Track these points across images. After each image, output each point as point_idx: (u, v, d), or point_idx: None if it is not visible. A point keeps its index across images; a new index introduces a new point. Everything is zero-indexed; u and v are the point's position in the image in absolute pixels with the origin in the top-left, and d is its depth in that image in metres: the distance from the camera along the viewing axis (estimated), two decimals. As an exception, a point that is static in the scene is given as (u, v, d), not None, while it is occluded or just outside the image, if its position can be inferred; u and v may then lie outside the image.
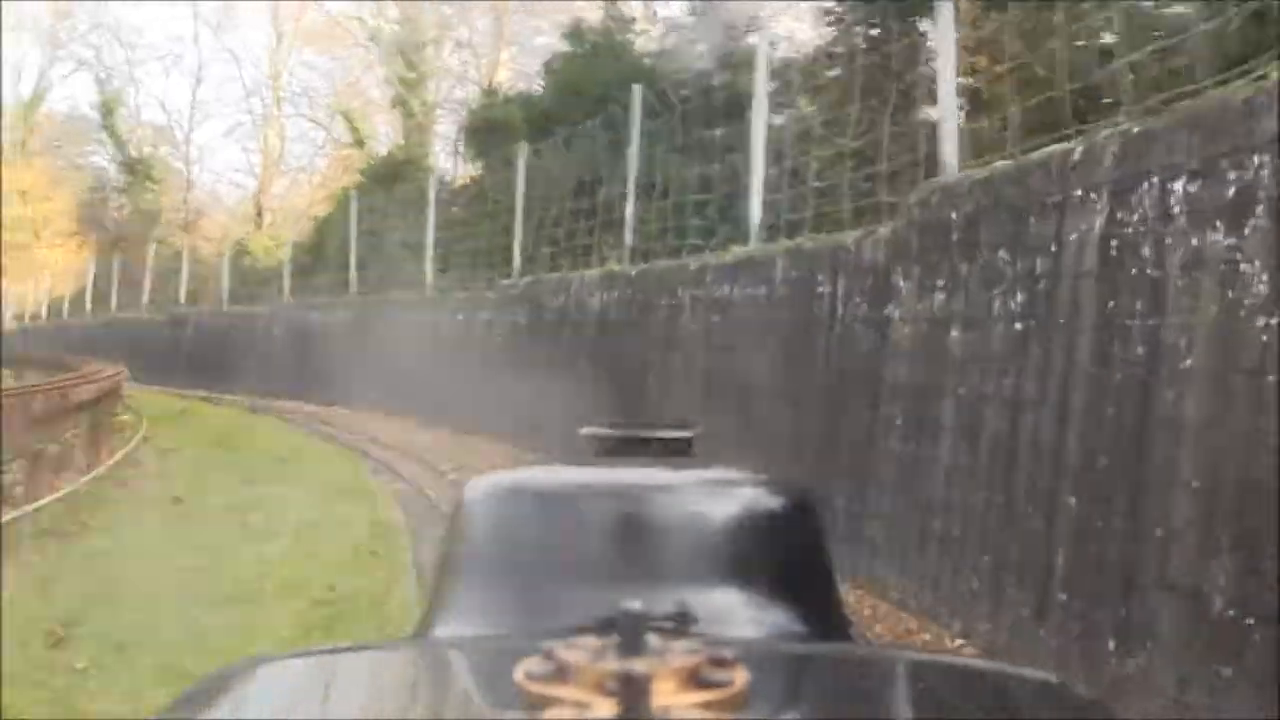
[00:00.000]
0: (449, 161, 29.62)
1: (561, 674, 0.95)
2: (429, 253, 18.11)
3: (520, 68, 36.15)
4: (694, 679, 0.94)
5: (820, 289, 8.32)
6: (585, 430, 2.10)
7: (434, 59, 39.46)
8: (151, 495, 10.44)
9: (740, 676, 0.96)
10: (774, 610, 1.68)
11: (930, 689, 1.44)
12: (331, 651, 1.67)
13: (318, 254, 27.11)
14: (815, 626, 1.71)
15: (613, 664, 0.92)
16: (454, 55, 41.02)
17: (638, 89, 12.99)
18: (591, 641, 0.99)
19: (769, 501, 1.85)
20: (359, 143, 39.92)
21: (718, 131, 12.44)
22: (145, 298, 31.89)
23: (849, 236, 8.28)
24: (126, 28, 64.29)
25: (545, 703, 0.92)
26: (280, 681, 1.41)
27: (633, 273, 12.73)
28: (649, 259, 12.70)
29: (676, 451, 2.08)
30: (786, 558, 1.77)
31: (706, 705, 0.92)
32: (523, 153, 15.66)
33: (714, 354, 10.04)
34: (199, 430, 16.60)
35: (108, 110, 48.10)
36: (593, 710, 0.89)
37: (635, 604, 0.97)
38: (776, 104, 11.31)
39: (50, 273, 43.39)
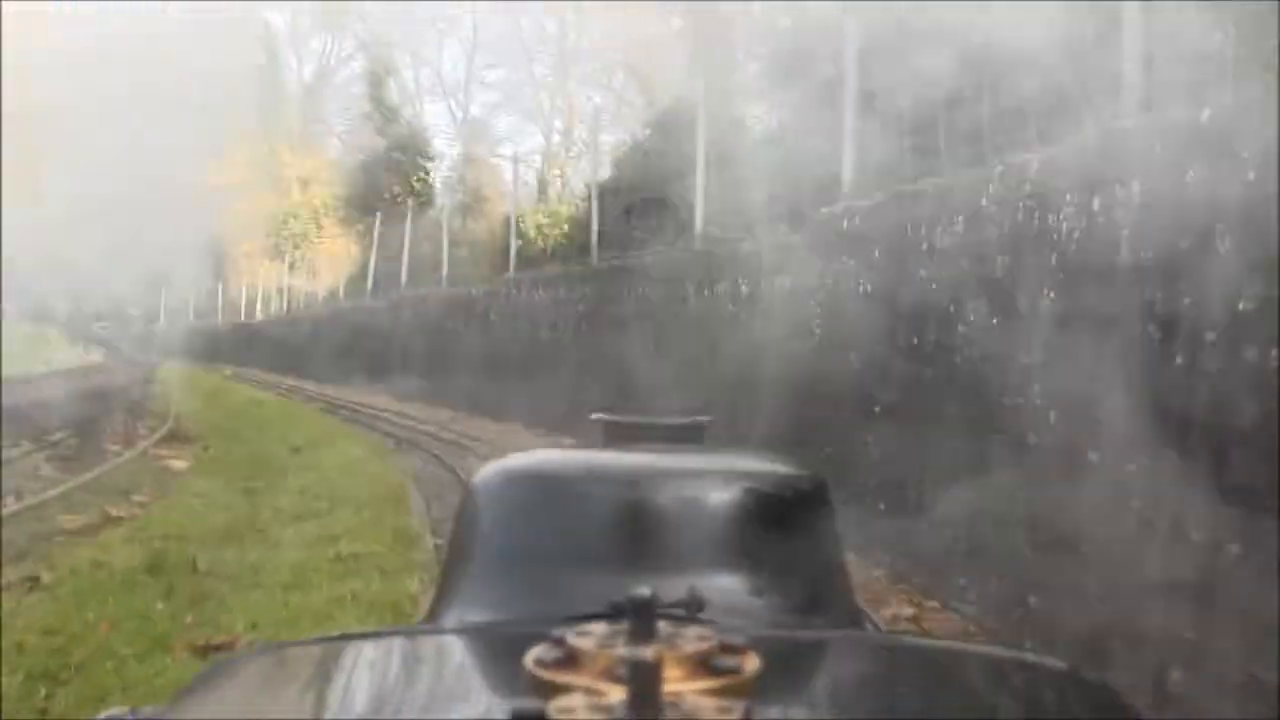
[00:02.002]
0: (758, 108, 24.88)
1: (571, 660, 0.95)
2: (699, 209, 13.21)
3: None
4: (704, 665, 0.94)
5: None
6: (596, 416, 2.08)
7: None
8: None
9: (750, 663, 0.96)
10: (785, 597, 1.66)
11: (941, 676, 1.45)
12: (341, 638, 1.64)
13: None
14: (826, 613, 1.70)
15: (623, 650, 0.92)
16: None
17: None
18: (601, 628, 0.98)
19: (780, 488, 1.81)
20: (651, 106, 37.34)
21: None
22: (403, 281, 28.81)
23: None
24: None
25: (555, 689, 0.91)
26: (290, 668, 1.42)
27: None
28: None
29: (688, 438, 2.05)
30: (797, 544, 1.75)
31: (717, 691, 0.91)
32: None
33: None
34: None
35: (377, 83, 46.03)
36: (603, 697, 0.88)
37: (645, 590, 0.94)
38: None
39: (331, 260, 42.80)
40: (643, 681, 0.83)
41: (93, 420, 14.66)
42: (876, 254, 8.20)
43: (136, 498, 9.90)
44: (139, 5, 54.39)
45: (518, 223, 32.82)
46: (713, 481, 1.79)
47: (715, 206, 13.27)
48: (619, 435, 2.07)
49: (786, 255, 9.84)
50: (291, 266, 42.70)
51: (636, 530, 1.68)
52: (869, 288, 8.29)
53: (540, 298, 16.91)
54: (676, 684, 0.90)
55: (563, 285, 16.27)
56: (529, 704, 0.88)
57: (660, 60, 36.94)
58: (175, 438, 14.38)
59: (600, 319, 14.51)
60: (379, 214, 32.93)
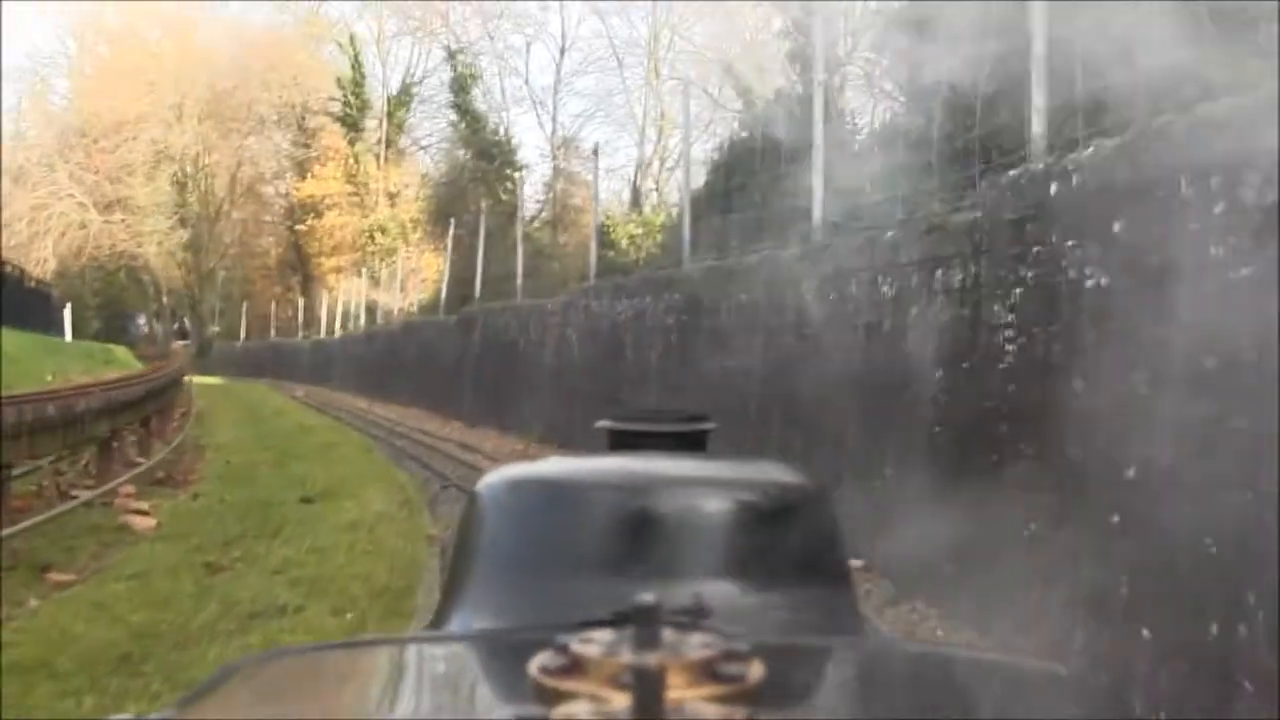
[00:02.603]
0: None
1: (575, 668, 0.94)
2: (817, 210, 10.44)
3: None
4: (708, 673, 0.93)
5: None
6: (600, 424, 2.06)
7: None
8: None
9: (755, 670, 0.96)
10: (788, 604, 1.65)
11: (943, 682, 1.45)
12: (345, 645, 1.69)
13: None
14: (829, 621, 1.70)
15: (627, 658, 0.92)
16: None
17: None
18: (605, 635, 0.98)
19: (784, 495, 1.80)
20: (748, 107, 34.36)
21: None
22: (476, 295, 25.76)
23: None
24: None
25: (559, 696, 0.91)
26: (293, 675, 1.41)
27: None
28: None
29: (692, 445, 2.03)
30: (801, 552, 1.73)
31: (721, 699, 0.91)
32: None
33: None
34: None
35: (461, 88, 43.05)
36: (607, 704, 0.87)
37: (649, 597, 0.93)
38: None
39: (420, 276, 40.27)
40: (647, 688, 0.83)
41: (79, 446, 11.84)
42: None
43: (56, 575, 7.16)
44: (223, 17, 53.72)
45: (607, 233, 29.12)
46: (716, 489, 1.77)
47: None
48: (623, 442, 2.04)
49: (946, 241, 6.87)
50: (377, 282, 40.54)
51: (640, 537, 1.65)
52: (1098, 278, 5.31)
53: (624, 308, 14.05)
54: (680, 691, 0.89)
55: (649, 292, 13.37)
56: (533, 711, 0.91)
57: (759, 60, 34.44)
58: (168, 479, 11.67)
59: (694, 331, 11.61)
60: (452, 226, 30.72)
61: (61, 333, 36.43)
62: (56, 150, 49.97)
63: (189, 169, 51.63)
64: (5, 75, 54.95)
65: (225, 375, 42.38)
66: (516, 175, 40.38)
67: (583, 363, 15.32)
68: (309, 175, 53.29)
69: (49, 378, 18.04)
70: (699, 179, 21.94)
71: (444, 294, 28.83)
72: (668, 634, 0.95)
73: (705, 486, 1.77)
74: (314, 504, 10.00)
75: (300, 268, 53.84)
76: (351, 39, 50.69)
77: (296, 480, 11.39)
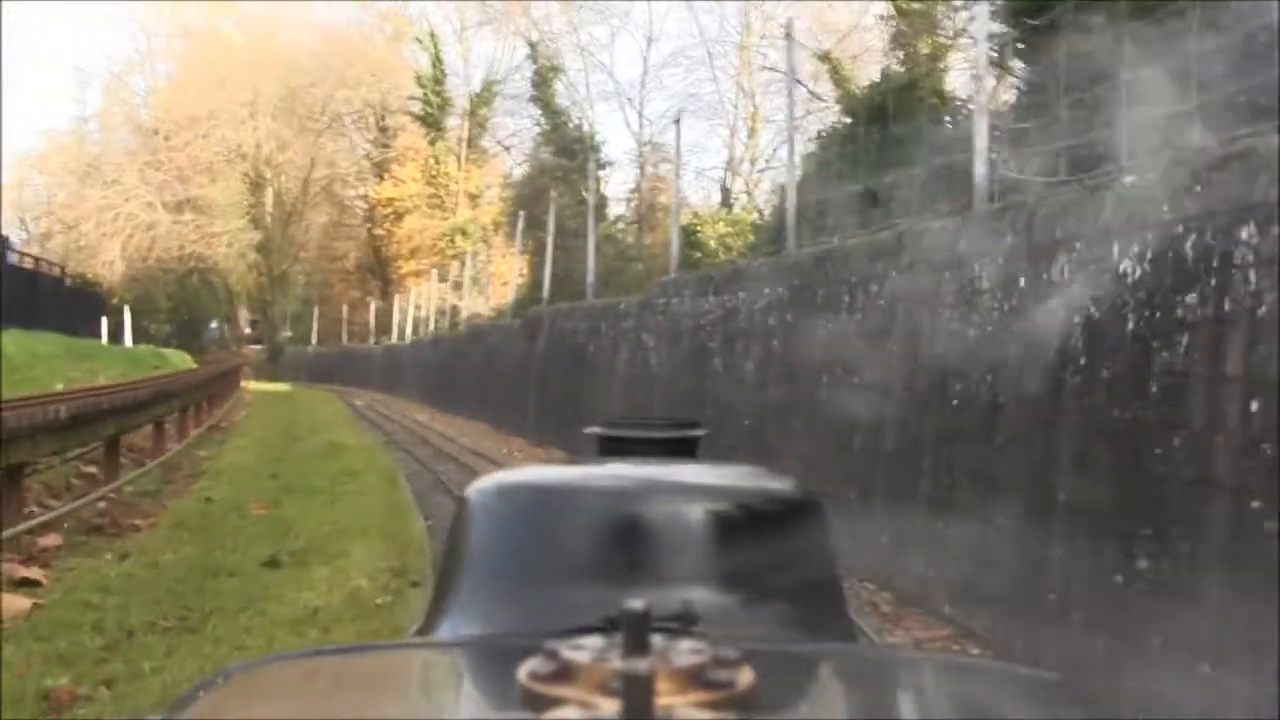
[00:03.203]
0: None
1: (565, 674, 0.93)
2: (980, 167, 7.25)
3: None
4: (698, 679, 0.93)
5: None
6: (589, 430, 2.06)
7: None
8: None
9: (744, 677, 0.95)
10: (778, 610, 1.64)
11: (935, 689, 1.44)
12: (334, 652, 1.74)
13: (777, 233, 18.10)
14: (820, 627, 1.68)
15: (616, 664, 0.91)
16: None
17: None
18: (595, 641, 0.97)
19: (774, 502, 1.77)
20: (846, 96, 31.00)
21: None
22: (545, 296, 23.08)
23: None
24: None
25: (549, 702, 0.90)
26: (281, 682, 1.40)
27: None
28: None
29: (682, 451, 2.03)
30: (791, 558, 1.70)
31: (710, 705, 0.90)
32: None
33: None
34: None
35: (543, 82, 40.29)
36: (596, 710, 0.87)
37: (639, 603, 0.91)
38: None
39: (502, 280, 37.77)
40: (636, 695, 0.82)
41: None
42: None
43: None
44: (300, 13, 51.92)
45: (694, 232, 26.73)
46: (705, 495, 1.74)
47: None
48: (613, 448, 2.01)
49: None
50: (457, 286, 38.26)
51: (629, 543, 1.62)
52: None
53: (709, 306, 11.11)
54: (670, 697, 0.88)
55: (742, 286, 10.43)
56: (523, 716, 0.90)
57: (856, 49, 31.50)
58: (111, 524, 8.91)
59: (799, 329, 8.67)
60: (521, 223, 28.39)
61: (118, 336, 34.49)
62: (124, 150, 48.35)
63: (261, 168, 49.49)
64: (80, 74, 53.21)
65: (295, 381, 40.44)
66: (600, 174, 37.62)
67: (662, 372, 12.36)
68: (387, 176, 51.35)
69: (59, 385, 15.58)
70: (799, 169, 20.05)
71: (517, 297, 26.19)
72: (657, 640, 0.93)
73: (695, 492, 1.74)
74: (279, 569, 7.19)
75: (379, 271, 51.83)
76: (432, 34, 48.48)
77: (279, 529, 8.64)
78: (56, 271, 29.61)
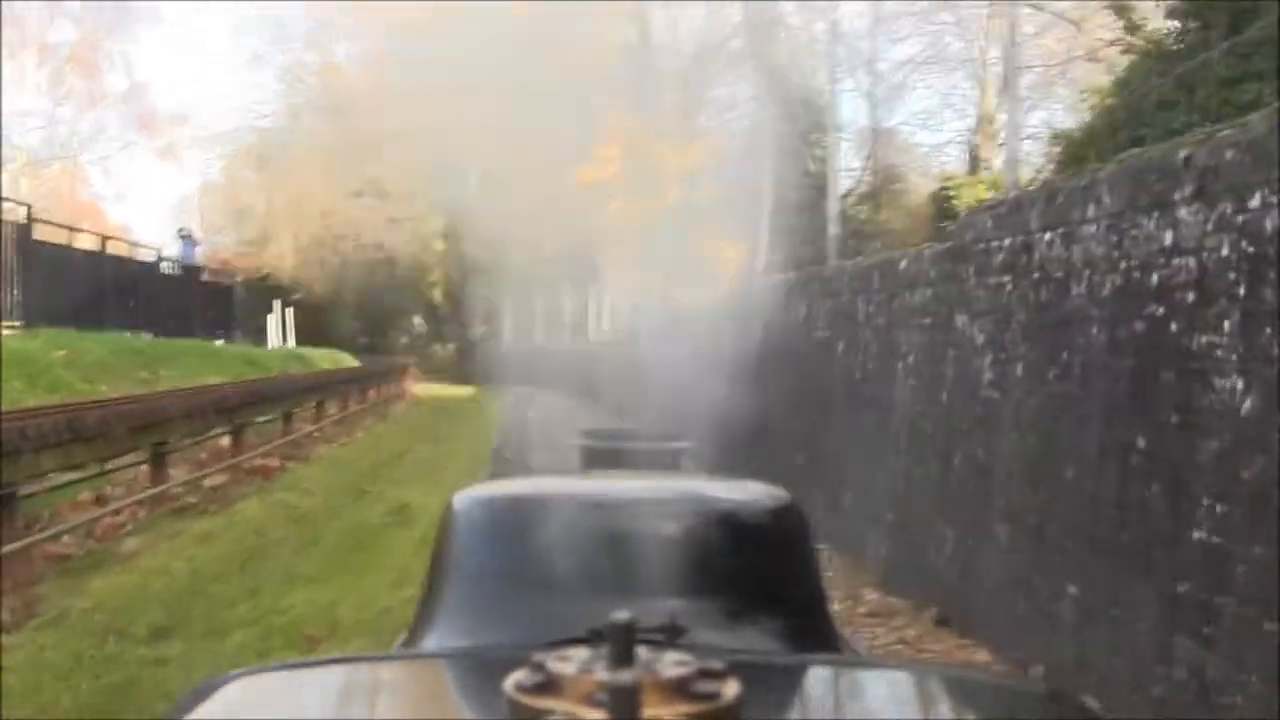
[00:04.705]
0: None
1: (551, 685, 0.94)
2: None
3: None
4: (683, 691, 0.93)
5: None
6: (575, 441, 2.11)
7: None
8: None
9: (730, 688, 0.95)
10: (763, 621, 1.70)
11: (921, 699, 1.44)
12: (323, 663, 1.75)
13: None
14: (804, 637, 1.73)
15: (602, 675, 0.92)
16: None
17: None
18: (581, 653, 0.98)
19: (756, 513, 1.83)
20: (1130, 29, 25.11)
21: None
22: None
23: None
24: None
25: (535, 714, 0.91)
26: (271, 691, 1.42)
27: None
28: None
29: (665, 464, 2.10)
30: (775, 568, 1.78)
31: (696, 717, 0.91)
32: None
33: None
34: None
35: (762, 39, 34.84)
36: None
37: (624, 615, 0.93)
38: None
39: (717, 265, 35.07)
40: (622, 707, 0.84)
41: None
42: None
43: None
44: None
45: (947, 200, 22.78)
46: (689, 507, 1.79)
47: None
48: (599, 460, 2.08)
49: None
50: (668, 274, 33.27)
51: (614, 555, 1.66)
52: None
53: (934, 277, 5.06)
54: (656, 709, 0.89)
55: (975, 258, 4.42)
56: None
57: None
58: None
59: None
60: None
61: (284, 335, 30.71)
62: (293, 131, 44.70)
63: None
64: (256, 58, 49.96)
65: (486, 382, 36.11)
66: (829, 140, 32.39)
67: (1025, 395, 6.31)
68: (592, 157, 46.35)
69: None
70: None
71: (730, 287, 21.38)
72: (643, 652, 0.94)
73: (679, 504, 1.80)
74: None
75: (583, 261, 47.05)
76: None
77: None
78: (153, 258, 26.00)
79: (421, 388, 31.35)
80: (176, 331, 21.73)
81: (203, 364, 15.38)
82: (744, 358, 13.32)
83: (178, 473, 10.35)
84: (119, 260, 22.92)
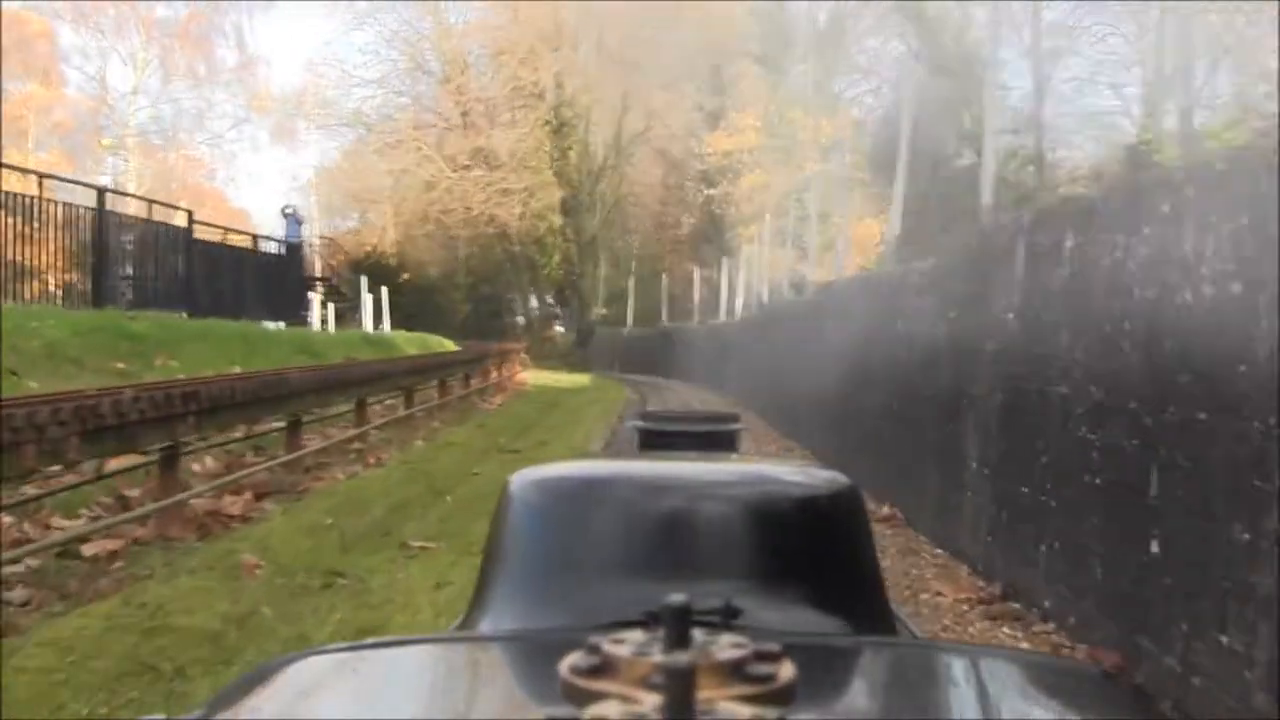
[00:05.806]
0: None
1: (606, 668, 0.90)
2: None
3: None
4: (739, 673, 0.89)
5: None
6: (631, 423, 2.03)
7: None
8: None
9: (785, 670, 0.91)
10: (819, 603, 1.63)
11: (977, 681, 1.41)
12: (376, 645, 1.64)
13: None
14: (860, 619, 1.66)
15: (657, 658, 0.88)
16: None
17: None
18: (636, 635, 0.94)
19: (813, 495, 1.77)
20: None
21: None
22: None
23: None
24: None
25: (590, 697, 0.87)
26: (324, 676, 1.39)
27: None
28: None
29: (722, 445, 2.03)
30: (831, 551, 1.71)
31: (751, 699, 0.87)
32: None
33: None
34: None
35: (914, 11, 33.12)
36: (637, 705, 0.85)
37: (680, 597, 0.89)
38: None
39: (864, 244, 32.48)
40: (677, 689, 0.80)
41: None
42: None
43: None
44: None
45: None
46: (745, 489, 1.71)
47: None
48: (654, 442, 1.98)
49: None
50: (805, 253, 30.55)
51: (670, 537, 1.61)
52: None
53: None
54: (711, 691, 0.86)
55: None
56: (564, 711, 0.87)
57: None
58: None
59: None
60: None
61: (378, 317, 27.80)
62: (395, 100, 41.50)
63: (563, 111, 41.05)
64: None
65: (604, 370, 32.78)
66: (985, 96, 28.44)
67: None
68: (722, 126, 43.17)
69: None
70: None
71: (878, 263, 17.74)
72: (698, 634, 0.91)
73: (735, 486, 1.71)
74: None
75: (715, 239, 43.72)
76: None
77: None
78: (220, 234, 23.51)
79: (532, 375, 28.05)
80: (247, 313, 19.13)
81: (214, 351, 12.27)
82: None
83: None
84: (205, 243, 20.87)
